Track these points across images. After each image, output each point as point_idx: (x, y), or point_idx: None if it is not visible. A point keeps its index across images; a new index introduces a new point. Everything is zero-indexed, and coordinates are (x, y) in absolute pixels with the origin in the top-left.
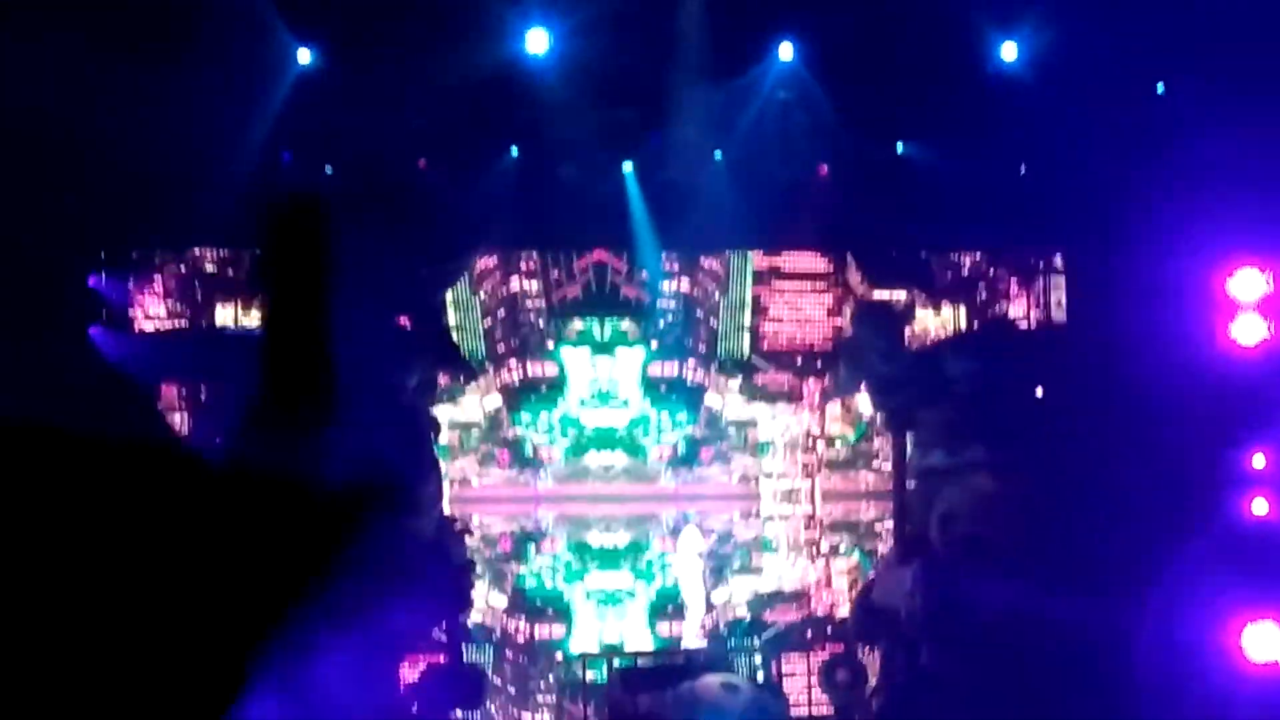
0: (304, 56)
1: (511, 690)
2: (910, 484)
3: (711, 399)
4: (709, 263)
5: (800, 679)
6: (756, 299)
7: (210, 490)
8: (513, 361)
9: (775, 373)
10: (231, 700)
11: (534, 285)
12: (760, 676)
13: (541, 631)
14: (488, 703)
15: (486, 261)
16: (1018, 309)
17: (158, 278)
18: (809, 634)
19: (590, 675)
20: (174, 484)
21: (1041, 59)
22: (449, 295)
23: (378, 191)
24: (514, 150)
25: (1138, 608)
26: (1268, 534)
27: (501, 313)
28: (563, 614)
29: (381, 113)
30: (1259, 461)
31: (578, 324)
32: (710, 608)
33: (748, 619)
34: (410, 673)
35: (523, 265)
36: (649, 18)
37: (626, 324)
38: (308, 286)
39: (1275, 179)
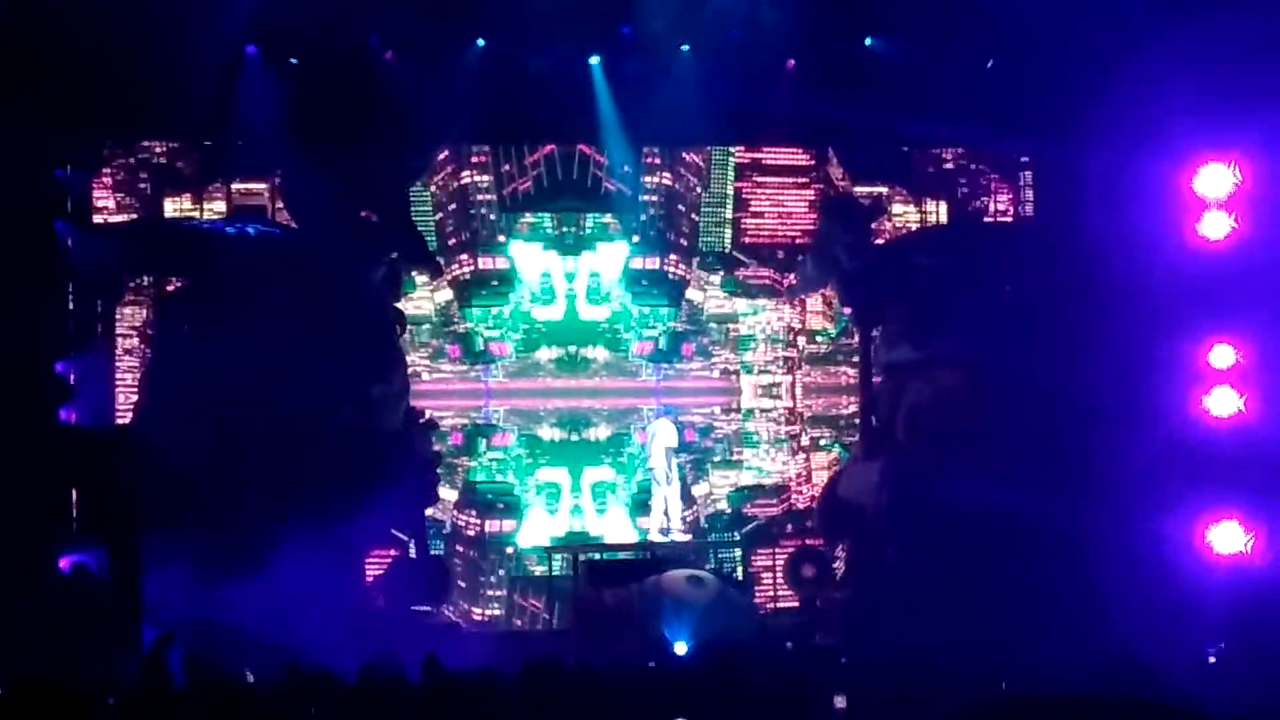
0: None
1: (462, 585)
2: (877, 378)
3: (693, 293)
4: (690, 157)
5: (773, 573)
6: (738, 193)
7: None
8: (464, 255)
9: (757, 267)
10: None
11: (485, 179)
12: (739, 572)
13: (492, 526)
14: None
15: (437, 155)
16: (998, 204)
17: (107, 171)
18: (789, 528)
19: (541, 569)
20: None
21: None
22: None
23: (343, 85)
24: (480, 42)
25: (1102, 501)
26: (1231, 429)
27: (452, 206)
28: (513, 508)
29: (348, 5)
30: (1226, 358)
31: (529, 218)
32: (691, 501)
33: (728, 513)
34: (376, 567)
35: (473, 159)
36: None
37: (609, 218)
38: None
39: (1240, 75)
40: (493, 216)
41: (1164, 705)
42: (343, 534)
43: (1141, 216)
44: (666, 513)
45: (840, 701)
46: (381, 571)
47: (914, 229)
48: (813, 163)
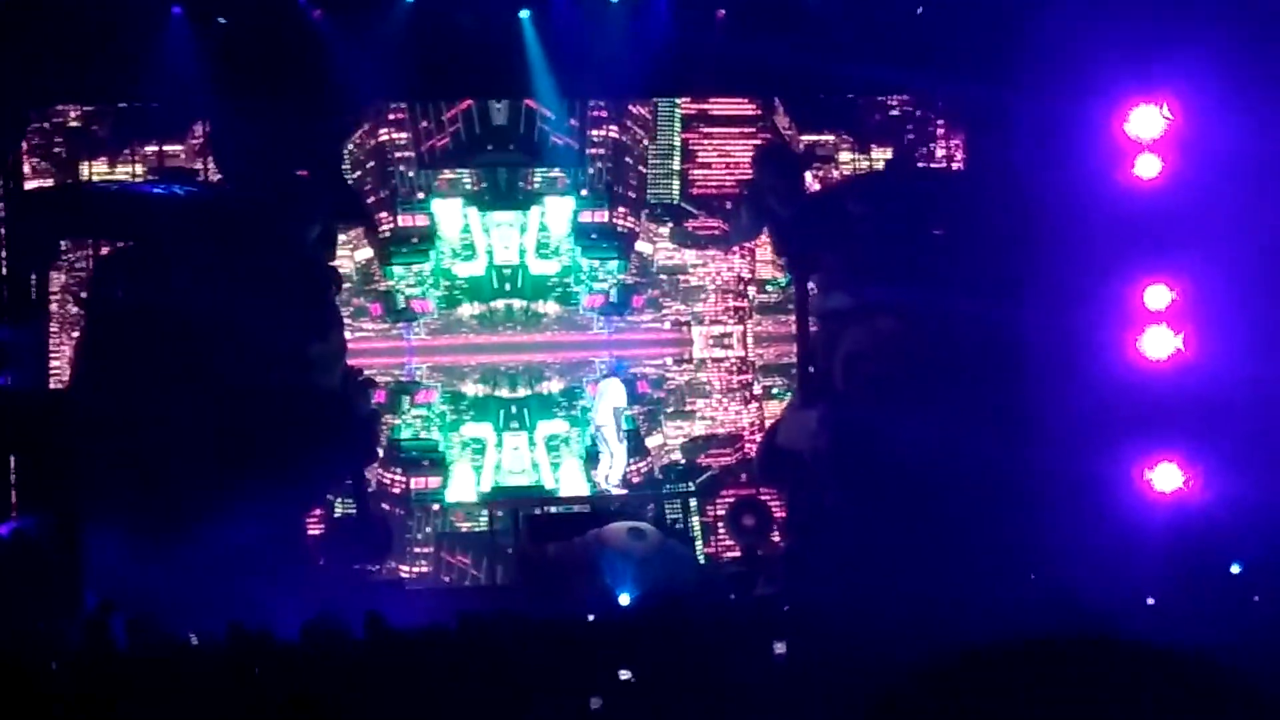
0: None
1: None
2: (814, 326)
3: (642, 245)
4: (637, 109)
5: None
6: (685, 145)
7: None
8: (383, 214)
9: (705, 218)
10: None
11: (403, 137)
12: (697, 524)
13: (418, 483)
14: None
15: (369, 111)
16: (945, 150)
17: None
18: (744, 477)
19: (469, 525)
20: None
21: None
22: None
23: (272, 43)
24: None
25: (1041, 444)
26: (1168, 369)
27: (370, 164)
28: (438, 464)
29: None
30: (1161, 298)
31: (448, 175)
32: (645, 453)
33: (682, 463)
34: (317, 525)
35: (390, 116)
36: None
37: (556, 172)
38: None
39: (1167, 16)
40: (411, 173)
41: (1105, 640)
42: (282, 493)
43: (1073, 159)
44: (611, 470)
45: (780, 648)
46: (323, 530)
47: (841, 175)
48: (759, 113)
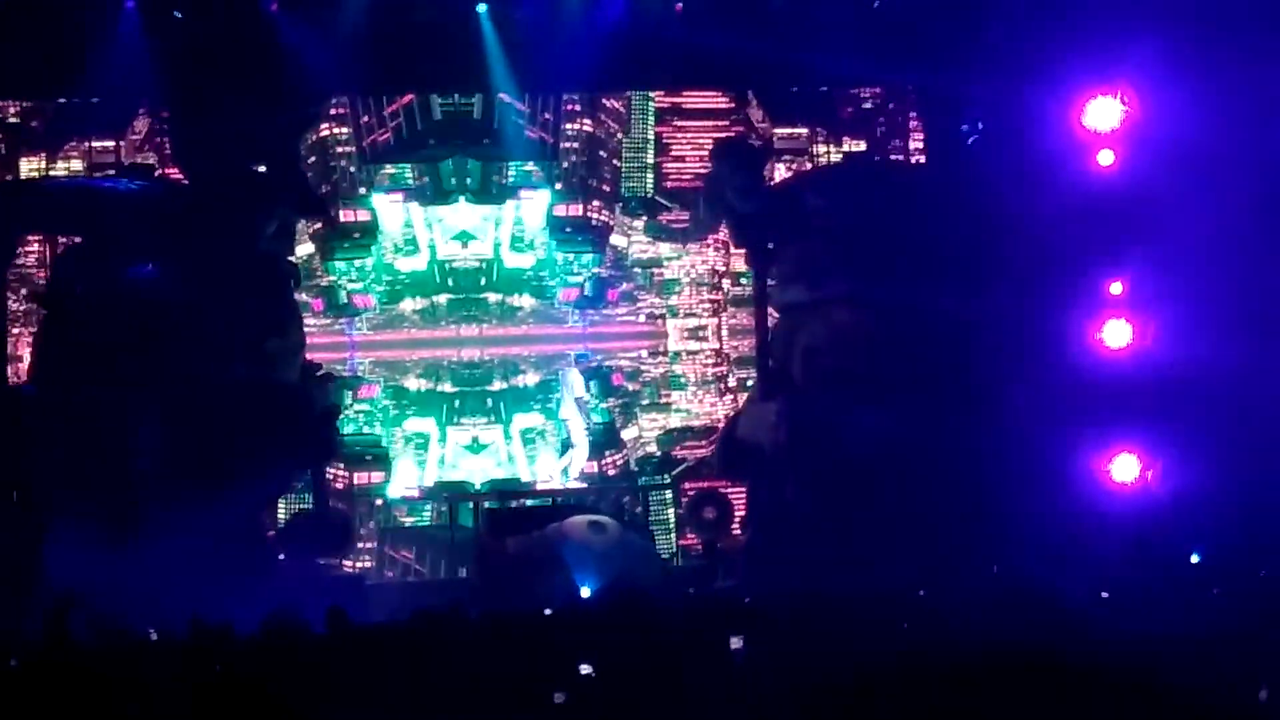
0: None
1: None
2: (772, 319)
3: (617, 239)
4: (611, 103)
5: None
6: (659, 138)
7: None
8: None
9: (680, 211)
10: None
11: (344, 131)
12: (671, 516)
13: (360, 478)
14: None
15: (328, 105)
16: (918, 143)
17: None
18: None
19: (411, 520)
20: None
21: None
22: None
23: (229, 36)
24: None
25: (1001, 436)
26: (1126, 359)
27: (312, 159)
28: (381, 460)
29: None
30: (1119, 288)
31: (390, 169)
32: (620, 445)
33: (657, 456)
34: (277, 521)
35: (332, 111)
36: None
37: (531, 166)
38: None
39: (1121, 7)
40: (353, 169)
41: (1058, 649)
42: (241, 488)
43: (1031, 151)
44: (571, 463)
45: (736, 642)
46: (283, 525)
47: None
48: (733, 106)
